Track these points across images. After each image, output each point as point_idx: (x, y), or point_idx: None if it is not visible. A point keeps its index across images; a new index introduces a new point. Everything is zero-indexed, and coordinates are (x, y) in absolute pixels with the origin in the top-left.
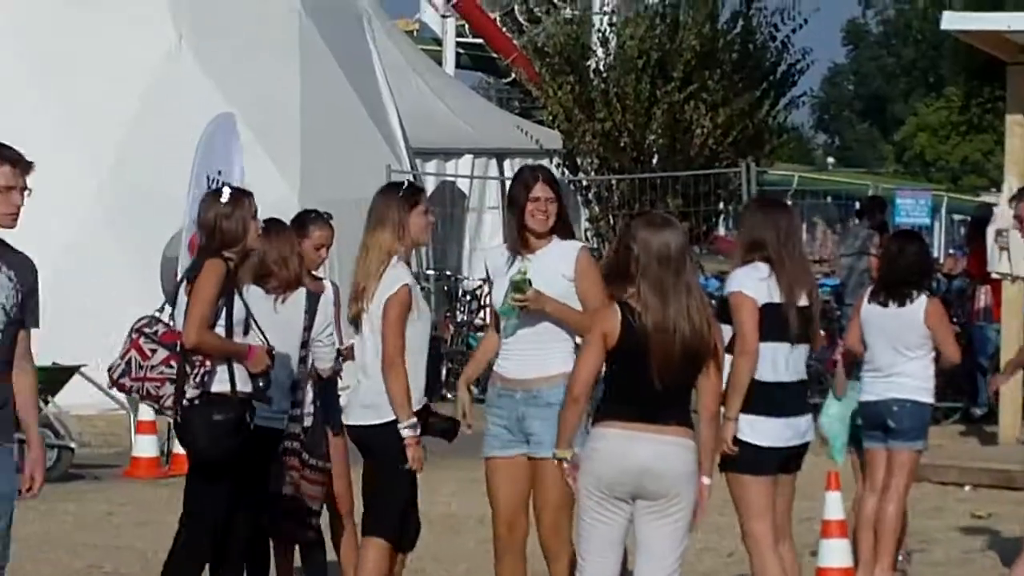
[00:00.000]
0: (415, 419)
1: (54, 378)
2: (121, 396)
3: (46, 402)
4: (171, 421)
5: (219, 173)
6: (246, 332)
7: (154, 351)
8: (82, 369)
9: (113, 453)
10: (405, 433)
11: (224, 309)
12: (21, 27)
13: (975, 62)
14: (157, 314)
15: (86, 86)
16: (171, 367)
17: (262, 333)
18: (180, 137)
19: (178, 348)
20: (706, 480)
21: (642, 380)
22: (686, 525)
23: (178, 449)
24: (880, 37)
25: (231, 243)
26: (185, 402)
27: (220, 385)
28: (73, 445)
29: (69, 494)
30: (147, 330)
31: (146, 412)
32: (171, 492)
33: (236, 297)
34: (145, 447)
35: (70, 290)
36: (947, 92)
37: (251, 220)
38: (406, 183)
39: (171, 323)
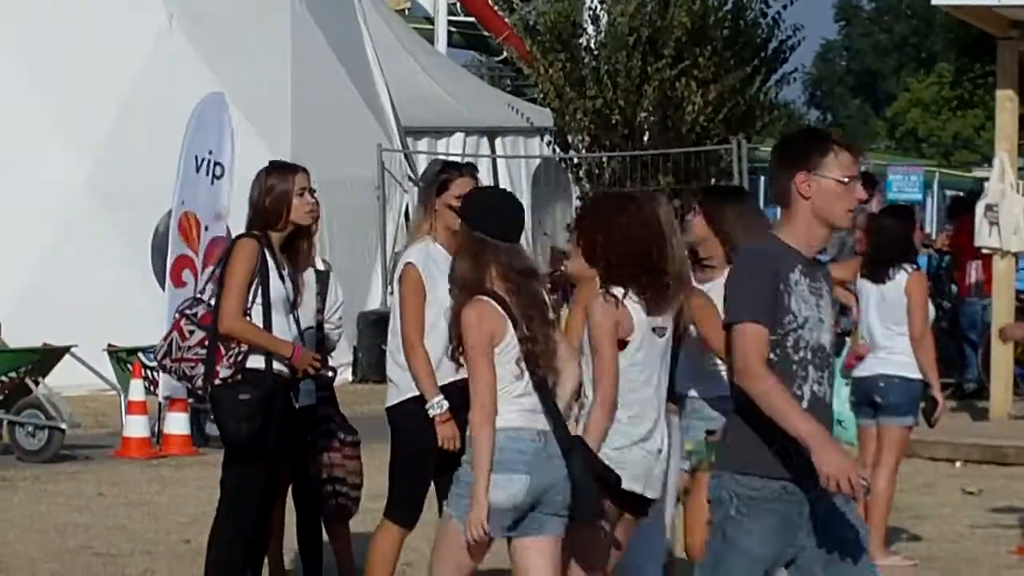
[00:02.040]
0: (440, 397)
1: (45, 359)
2: (111, 376)
3: (37, 383)
4: (159, 402)
5: (209, 153)
6: (294, 309)
7: (192, 332)
8: (73, 350)
9: (104, 434)
10: (431, 412)
11: (260, 289)
12: (11, 10)
13: (966, 37)
14: (199, 295)
15: (77, 68)
16: (205, 347)
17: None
18: (172, 118)
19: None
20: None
21: None
22: (671, 500)
23: (168, 429)
24: (872, 13)
25: (273, 219)
26: (218, 381)
27: (255, 362)
28: (64, 426)
29: (60, 475)
30: (188, 311)
31: (137, 392)
32: (162, 472)
33: (276, 276)
34: (136, 428)
35: (61, 271)
36: (939, 68)
37: (295, 196)
38: (446, 164)
39: (211, 304)
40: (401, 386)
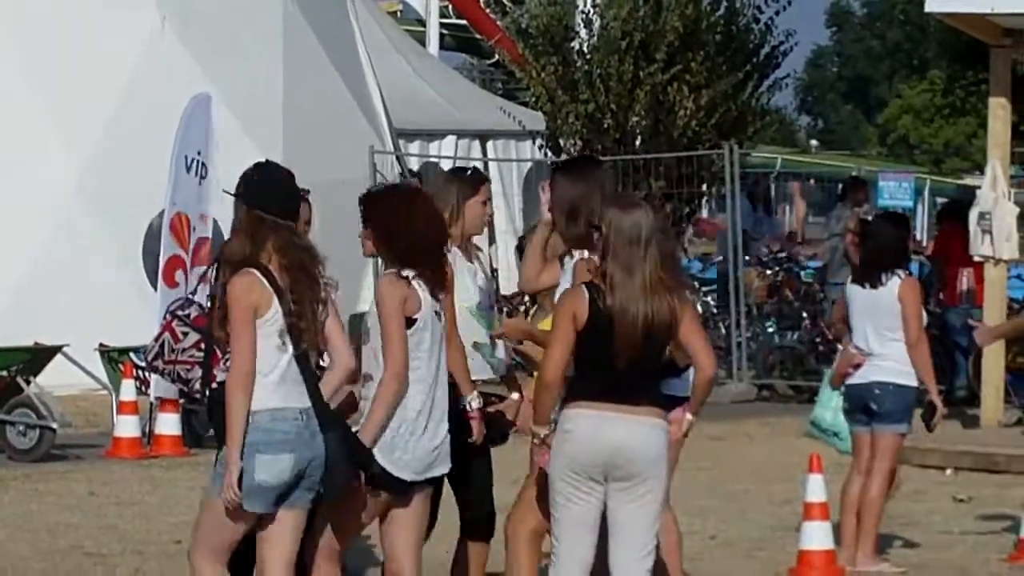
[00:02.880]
0: (475, 393)
1: (36, 358)
2: (103, 376)
3: (28, 382)
4: (150, 403)
5: (198, 153)
6: None
7: (186, 334)
8: (64, 349)
9: (95, 433)
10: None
11: None
12: (11, 10)
13: (958, 44)
14: (191, 296)
15: (70, 69)
16: (201, 350)
17: None
18: (164, 120)
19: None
20: (689, 416)
21: (612, 360)
22: (659, 507)
23: (160, 430)
24: (864, 19)
25: None
26: (215, 384)
27: None
28: (55, 425)
29: (51, 474)
30: (180, 312)
31: (128, 392)
32: (153, 473)
33: None
34: (127, 427)
35: (53, 270)
36: (931, 75)
37: None
38: (470, 170)
39: (204, 306)
40: None
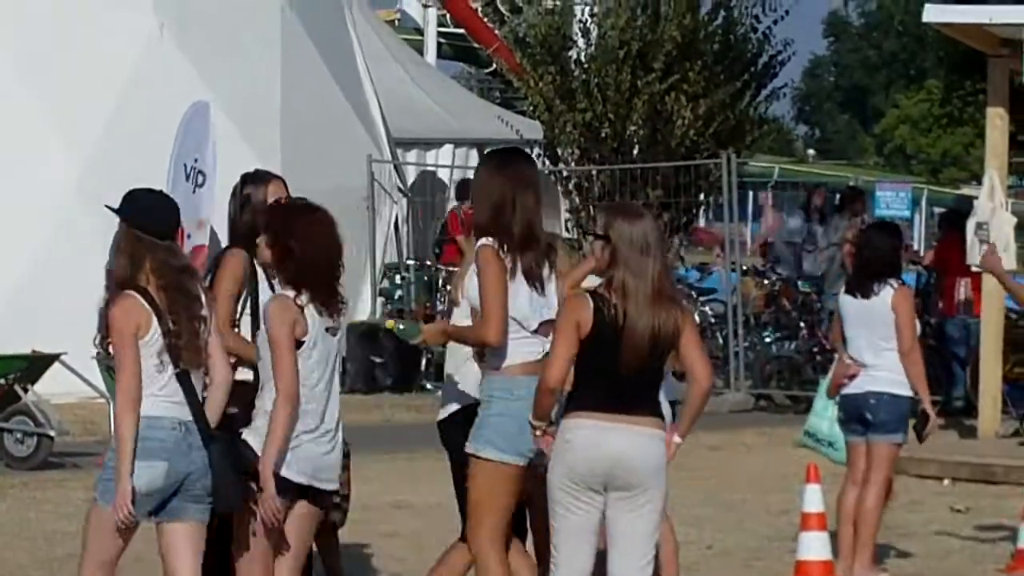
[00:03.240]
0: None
1: (34, 366)
2: (100, 384)
3: (26, 390)
4: None
5: (195, 161)
6: None
7: None
8: (62, 357)
9: (92, 441)
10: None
11: (250, 300)
12: (3, 10)
13: (956, 55)
14: None
15: (67, 74)
16: None
17: None
18: (161, 125)
19: None
20: (677, 439)
21: (615, 370)
22: (658, 517)
23: None
24: (861, 29)
25: (252, 236)
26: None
27: (243, 374)
28: (52, 433)
29: (48, 482)
30: None
31: None
32: None
33: (267, 287)
34: None
35: (53, 270)
36: (928, 84)
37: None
38: None
39: None
40: (448, 398)
